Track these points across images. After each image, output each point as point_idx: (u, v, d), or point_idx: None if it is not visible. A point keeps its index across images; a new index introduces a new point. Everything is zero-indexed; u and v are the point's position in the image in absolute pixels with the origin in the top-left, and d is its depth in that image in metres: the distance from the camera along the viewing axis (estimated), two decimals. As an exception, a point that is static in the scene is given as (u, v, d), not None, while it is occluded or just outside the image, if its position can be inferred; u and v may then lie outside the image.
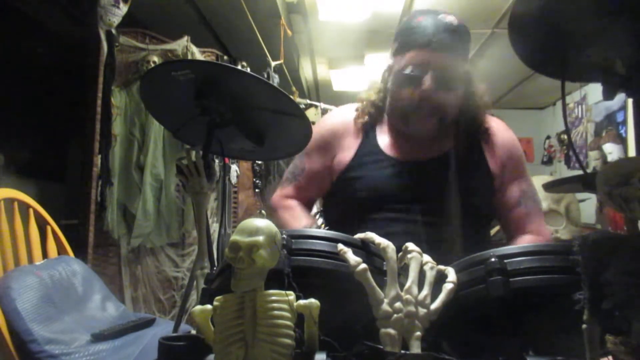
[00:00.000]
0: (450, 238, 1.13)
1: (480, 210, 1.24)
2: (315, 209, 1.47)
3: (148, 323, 1.48)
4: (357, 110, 1.33)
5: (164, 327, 1.49)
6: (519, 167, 1.30)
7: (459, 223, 1.15)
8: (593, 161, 4.33)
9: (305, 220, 1.27)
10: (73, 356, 1.18)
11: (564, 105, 0.78)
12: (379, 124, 1.31)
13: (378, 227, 1.17)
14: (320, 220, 1.42)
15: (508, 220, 1.29)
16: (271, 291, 0.53)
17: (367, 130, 1.30)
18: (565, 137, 5.26)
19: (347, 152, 1.29)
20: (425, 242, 1.10)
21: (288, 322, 0.52)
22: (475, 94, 1.27)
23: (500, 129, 1.32)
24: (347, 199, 1.26)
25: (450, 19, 1.17)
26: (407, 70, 1.17)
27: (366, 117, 1.30)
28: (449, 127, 1.25)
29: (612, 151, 4.04)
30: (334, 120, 1.38)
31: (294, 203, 1.34)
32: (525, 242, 1.22)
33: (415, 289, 0.59)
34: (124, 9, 2.36)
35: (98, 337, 1.28)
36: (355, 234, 0.67)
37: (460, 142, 1.25)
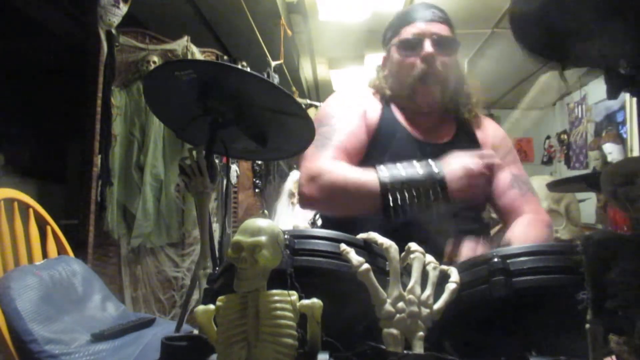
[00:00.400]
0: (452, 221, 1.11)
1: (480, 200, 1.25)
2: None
3: (148, 323, 1.48)
4: (374, 85, 1.33)
5: (164, 327, 1.49)
6: (511, 152, 1.33)
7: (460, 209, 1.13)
8: (593, 161, 4.33)
9: (370, 172, 1.07)
10: (73, 356, 1.18)
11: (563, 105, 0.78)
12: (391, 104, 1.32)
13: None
14: (320, 222, 1.40)
15: (503, 204, 1.27)
16: (274, 291, 0.53)
17: (384, 107, 1.30)
18: (566, 137, 5.26)
19: (371, 123, 1.26)
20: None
21: (291, 322, 0.52)
22: (466, 81, 1.32)
23: (487, 119, 1.37)
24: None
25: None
26: (409, 37, 1.23)
27: (387, 92, 1.30)
28: (445, 112, 1.29)
29: (612, 151, 4.04)
30: (355, 92, 1.35)
31: (344, 163, 1.17)
32: (524, 222, 1.20)
33: (418, 289, 0.59)
34: (124, 9, 2.36)
35: (98, 337, 1.28)
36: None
37: (457, 129, 1.30)
